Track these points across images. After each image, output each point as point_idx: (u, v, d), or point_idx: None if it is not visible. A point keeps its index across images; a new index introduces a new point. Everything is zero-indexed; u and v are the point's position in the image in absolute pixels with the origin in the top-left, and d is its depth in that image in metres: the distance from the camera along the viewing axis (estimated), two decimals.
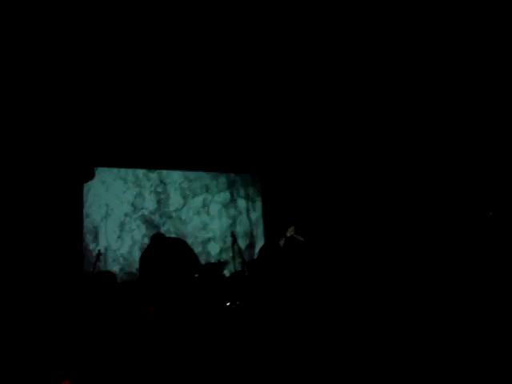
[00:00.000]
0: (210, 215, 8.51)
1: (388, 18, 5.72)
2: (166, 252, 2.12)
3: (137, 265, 5.26)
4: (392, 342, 4.16)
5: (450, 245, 5.57)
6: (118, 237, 7.73)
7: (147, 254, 2.03)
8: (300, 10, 5.63)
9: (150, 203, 8.12)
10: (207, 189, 8.63)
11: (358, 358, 3.87)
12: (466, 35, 5.68)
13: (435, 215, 6.12)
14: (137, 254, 7.54)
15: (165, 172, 8.29)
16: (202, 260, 7.41)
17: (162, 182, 8.28)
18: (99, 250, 7.02)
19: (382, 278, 5.72)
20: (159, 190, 8.24)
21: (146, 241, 7.53)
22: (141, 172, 8.13)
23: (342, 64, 6.69)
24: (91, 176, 7.54)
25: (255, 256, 8.00)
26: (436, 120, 6.35)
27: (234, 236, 7.22)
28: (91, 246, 7.45)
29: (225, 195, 8.76)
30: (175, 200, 8.32)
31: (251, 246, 8.57)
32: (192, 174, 8.53)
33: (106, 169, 7.83)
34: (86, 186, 7.60)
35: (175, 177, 8.40)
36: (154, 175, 8.22)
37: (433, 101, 6.37)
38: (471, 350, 3.83)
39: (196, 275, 5.11)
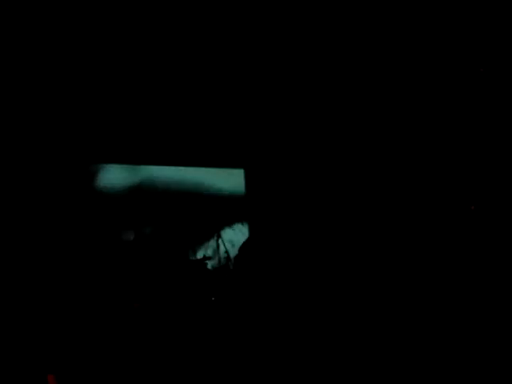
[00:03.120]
0: None
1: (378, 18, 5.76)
2: (151, 248, 2.14)
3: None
4: (382, 335, 4.19)
5: (438, 239, 5.62)
6: None
7: (133, 250, 2.04)
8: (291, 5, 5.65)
9: None
10: None
11: (342, 350, 3.89)
12: (453, 31, 5.72)
13: (420, 208, 6.17)
14: None
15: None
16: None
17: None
18: None
19: (368, 272, 5.76)
20: None
21: None
22: None
23: (330, 57, 6.71)
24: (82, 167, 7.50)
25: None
26: (420, 116, 6.40)
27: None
28: None
29: None
30: None
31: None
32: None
33: None
34: None
35: None
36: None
37: (418, 100, 6.41)
38: (466, 344, 3.86)
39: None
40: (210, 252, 7.97)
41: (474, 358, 3.81)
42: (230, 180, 8.97)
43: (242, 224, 8.82)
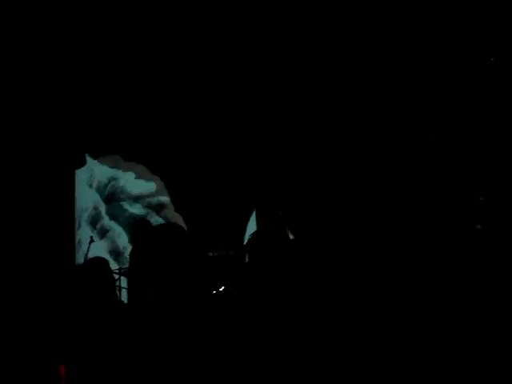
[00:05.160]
0: None
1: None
2: (161, 237, 2.13)
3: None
4: (384, 332, 4.17)
5: (443, 233, 5.61)
6: None
7: (143, 239, 2.04)
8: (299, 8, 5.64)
9: None
10: None
11: (351, 350, 3.87)
12: (458, 24, 5.69)
13: (426, 201, 6.16)
14: None
15: None
16: None
17: None
18: (91, 236, 7.00)
19: (375, 269, 5.74)
20: None
21: None
22: None
23: (336, 58, 6.70)
24: (82, 163, 7.52)
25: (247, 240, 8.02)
26: (426, 109, 6.38)
27: (227, 224, 7.23)
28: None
29: None
30: None
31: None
32: None
33: None
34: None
35: None
36: None
37: (423, 94, 6.39)
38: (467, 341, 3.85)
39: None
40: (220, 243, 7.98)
41: (473, 357, 3.80)
42: (238, 172, 8.99)
43: (251, 214, 8.84)
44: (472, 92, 5.87)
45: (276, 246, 4.38)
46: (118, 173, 8.00)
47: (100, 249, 7.39)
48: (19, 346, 3.00)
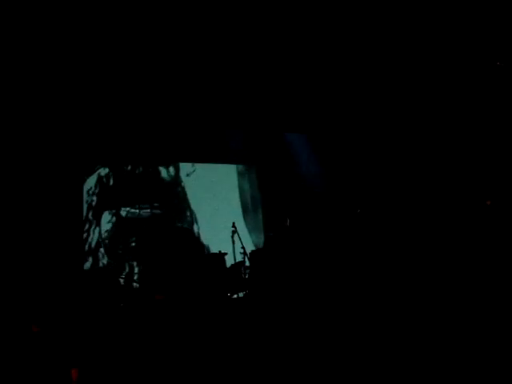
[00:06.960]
0: None
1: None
2: (172, 241, 2.15)
3: None
4: (388, 333, 4.17)
5: (449, 234, 5.60)
6: None
7: (153, 242, 2.06)
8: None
9: None
10: None
11: (356, 354, 3.87)
12: (462, 26, 5.70)
13: (432, 204, 6.16)
14: None
15: None
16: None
17: None
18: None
19: (379, 267, 5.74)
20: None
21: None
22: None
23: (339, 55, 6.72)
24: (91, 171, 7.56)
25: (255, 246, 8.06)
26: (432, 110, 6.38)
27: (234, 226, 7.25)
28: None
29: None
30: None
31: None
32: None
33: None
34: None
35: None
36: None
37: (428, 93, 6.39)
38: (471, 344, 3.84)
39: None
40: (226, 247, 7.99)
41: (473, 357, 3.79)
42: (244, 176, 9.02)
43: (258, 220, 8.86)
44: (480, 95, 5.87)
45: (279, 252, 4.38)
46: None
47: None
48: (31, 350, 3.03)
